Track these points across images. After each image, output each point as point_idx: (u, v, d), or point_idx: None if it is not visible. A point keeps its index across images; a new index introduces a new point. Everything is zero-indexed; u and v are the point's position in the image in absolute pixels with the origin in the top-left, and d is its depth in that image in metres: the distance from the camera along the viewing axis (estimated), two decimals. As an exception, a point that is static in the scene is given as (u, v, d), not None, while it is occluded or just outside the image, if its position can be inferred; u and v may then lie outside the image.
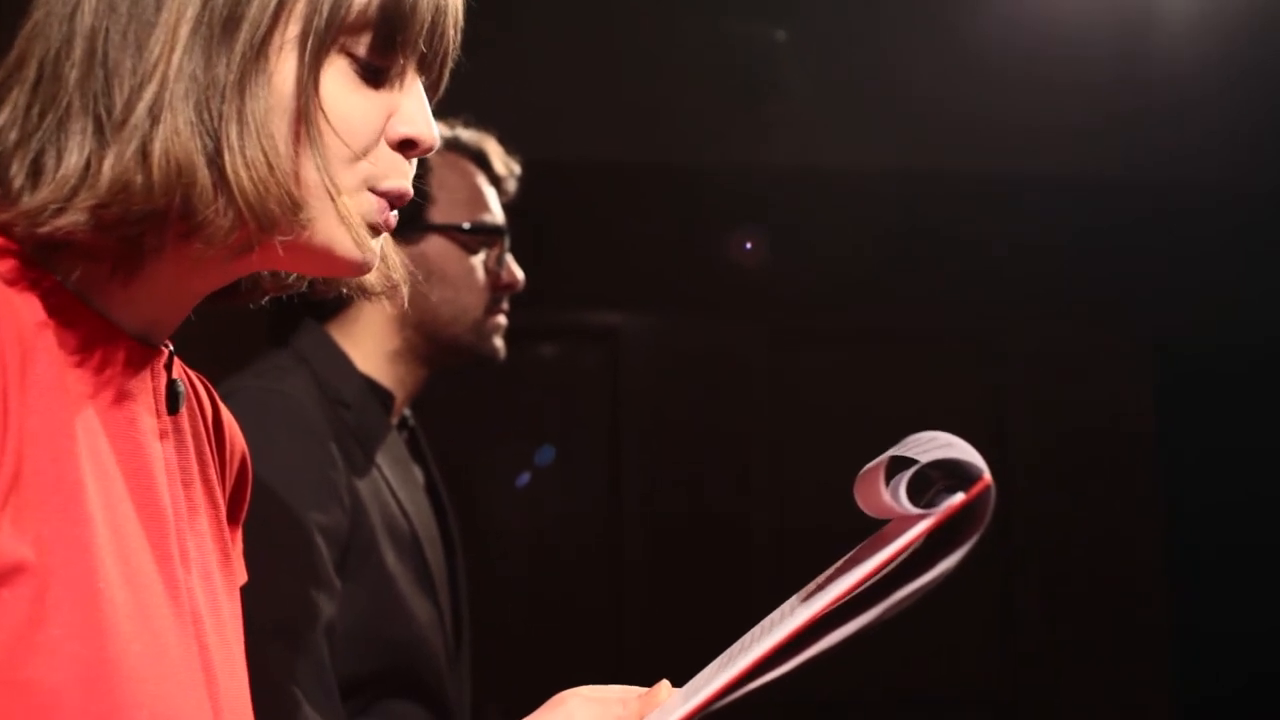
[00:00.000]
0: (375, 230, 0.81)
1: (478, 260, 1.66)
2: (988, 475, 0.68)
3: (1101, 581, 4.64)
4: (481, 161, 1.70)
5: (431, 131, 0.82)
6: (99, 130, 0.73)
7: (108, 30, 0.74)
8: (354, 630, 1.47)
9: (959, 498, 0.67)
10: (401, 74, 0.81)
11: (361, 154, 0.79)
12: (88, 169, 0.73)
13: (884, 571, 0.67)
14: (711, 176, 4.31)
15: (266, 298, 0.88)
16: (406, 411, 1.68)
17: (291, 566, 1.40)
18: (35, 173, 0.74)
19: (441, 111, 0.86)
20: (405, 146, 0.82)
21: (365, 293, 0.87)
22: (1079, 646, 4.61)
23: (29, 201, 0.73)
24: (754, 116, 4.06)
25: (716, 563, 4.50)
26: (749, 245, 4.25)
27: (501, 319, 1.69)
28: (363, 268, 0.81)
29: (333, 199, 0.78)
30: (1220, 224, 4.23)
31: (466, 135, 1.69)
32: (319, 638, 1.40)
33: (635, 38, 3.92)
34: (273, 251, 0.78)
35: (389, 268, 0.87)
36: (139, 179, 0.72)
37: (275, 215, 0.75)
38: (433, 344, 1.63)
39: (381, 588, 1.50)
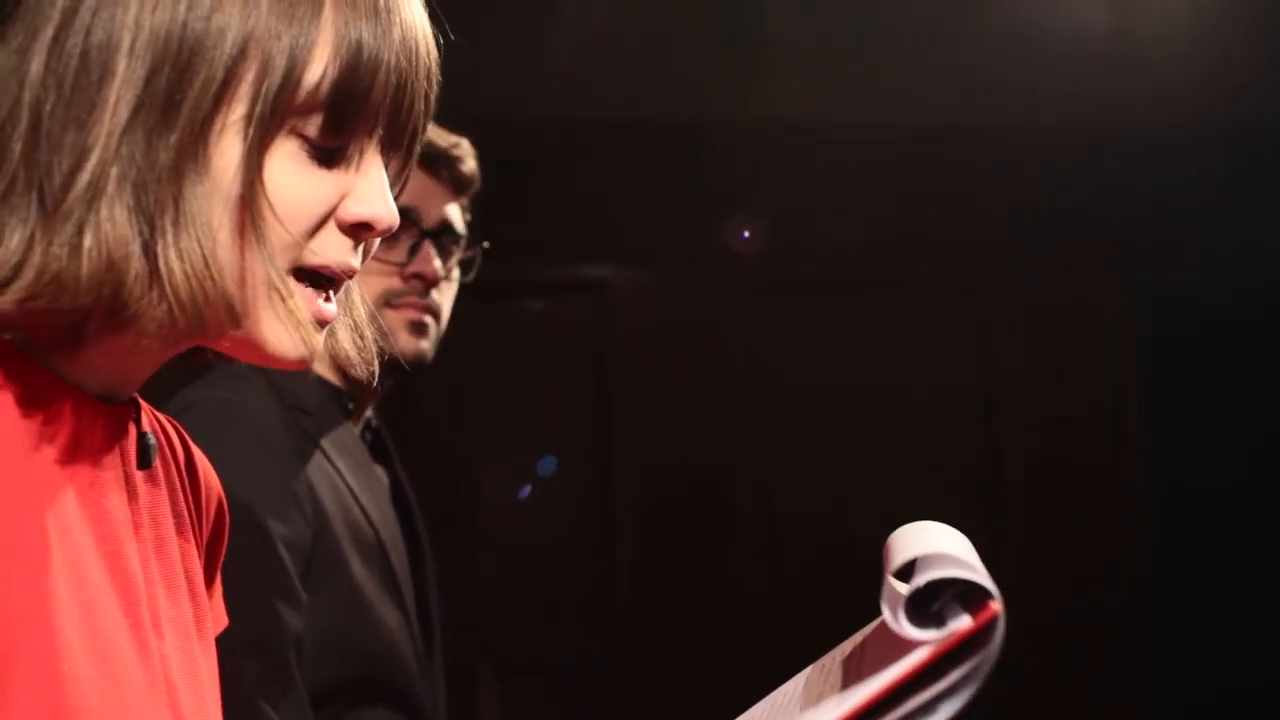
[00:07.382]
0: (320, 324, 0.77)
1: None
2: (995, 604, 0.64)
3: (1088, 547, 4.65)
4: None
5: (390, 212, 0.77)
6: (42, 209, 0.69)
7: (52, 104, 0.69)
8: (322, 641, 1.45)
9: (965, 621, 0.64)
10: (359, 153, 0.76)
11: (304, 238, 0.75)
12: (28, 250, 0.69)
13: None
14: (701, 130, 4.27)
15: None
16: (369, 413, 1.65)
17: (256, 580, 1.38)
18: None
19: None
20: (359, 229, 0.77)
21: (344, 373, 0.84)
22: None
23: None
24: (743, 69, 4.02)
25: (705, 515, 4.51)
26: (746, 235, 4.20)
27: (411, 313, 1.57)
28: (301, 364, 0.77)
29: (282, 298, 0.73)
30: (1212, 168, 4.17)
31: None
32: (287, 651, 1.38)
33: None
34: (212, 339, 0.75)
35: (343, 347, 0.84)
36: (68, 272, 0.69)
37: (206, 315, 0.71)
38: None
39: (348, 597, 1.48)
